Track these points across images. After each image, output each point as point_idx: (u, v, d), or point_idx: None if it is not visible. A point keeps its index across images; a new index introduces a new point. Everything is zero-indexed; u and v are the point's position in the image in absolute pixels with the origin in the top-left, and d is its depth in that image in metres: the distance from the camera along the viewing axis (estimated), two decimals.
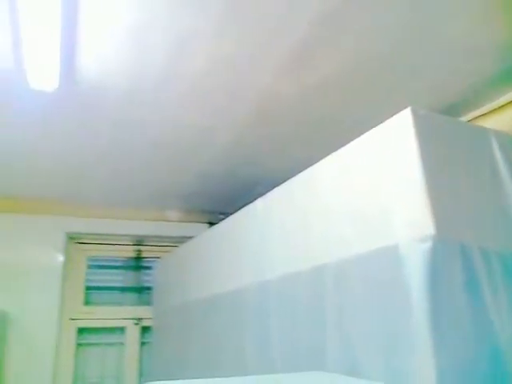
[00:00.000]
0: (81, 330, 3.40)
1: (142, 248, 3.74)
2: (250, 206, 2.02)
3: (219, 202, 3.53)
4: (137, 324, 3.49)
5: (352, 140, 1.49)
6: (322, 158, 1.62)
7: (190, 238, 3.13)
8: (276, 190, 1.83)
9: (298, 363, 1.56)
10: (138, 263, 3.73)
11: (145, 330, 3.50)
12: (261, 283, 1.80)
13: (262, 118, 2.28)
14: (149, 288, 3.53)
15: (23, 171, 2.83)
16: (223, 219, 3.17)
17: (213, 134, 2.43)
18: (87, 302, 3.50)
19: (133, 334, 3.48)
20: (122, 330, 3.49)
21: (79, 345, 3.36)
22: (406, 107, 1.30)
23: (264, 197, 1.92)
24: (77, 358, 3.31)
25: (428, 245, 1.14)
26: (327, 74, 1.95)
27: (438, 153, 1.29)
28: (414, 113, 1.27)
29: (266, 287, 1.76)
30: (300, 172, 1.74)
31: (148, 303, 3.46)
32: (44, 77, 1.83)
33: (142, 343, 3.49)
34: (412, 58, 1.87)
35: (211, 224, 3.68)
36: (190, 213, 3.69)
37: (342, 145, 1.53)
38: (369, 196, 1.35)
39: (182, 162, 2.76)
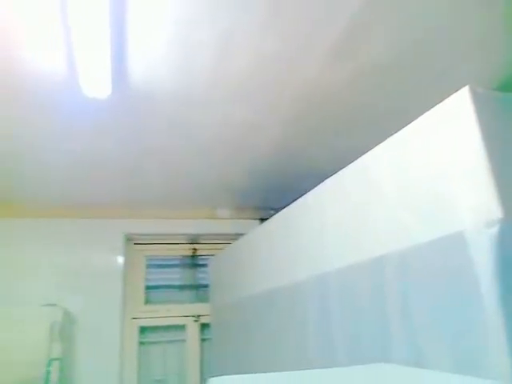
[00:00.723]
0: (142, 329, 3.51)
1: (196, 246, 3.81)
2: (302, 199, 2.00)
3: (270, 198, 3.54)
4: (196, 321, 3.57)
5: (402, 126, 1.43)
6: (370, 147, 1.58)
7: (242, 234, 3.15)
8: (328, 181, 1.80)
9: (362, 356, 1.53)
10: (193, 261, 3.81)
11: (204, 326, 3.57)
12: (318, 276, 1.78)
13: (309, 111, 2.26)
14: (205, 285, 3.60)
15: (82, 179, 2.96)
16: (274, 214, 3.18)
17: (261, 130, 2.43)
18: (147, 301, 3.61)
19: (193, 331, 3.56)
20: (182, 327, 3.58)
21: (141, 343, 3.48)
22: (456, 91, 1.23)
23: (315, 189, 1.89)
24: (140, 356, 3.43)
25: (495, 229, 1.08)
26: (373, 61, 1.90)
27: (500, 132, 1.21)
28: (473, 91, 1.20)
29: (325, 280, 1.74)
30: (350, 162, 1.70)
31: (205, 300, 3.53)
32: (97, 84, 1.90)
33: (202, 340, 3.56)
34: (463, 39, 1.78)
35: (262, 220, 3.70)
36: (241, 210, 3.72)
37: (391, 132, 1.48)
38: (428, 182, 1.29)
39: (231, 159, 2.79)
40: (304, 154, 2.77)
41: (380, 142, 1.54)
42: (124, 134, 2.43)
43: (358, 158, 1.65)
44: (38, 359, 2.71)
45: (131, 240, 3.65)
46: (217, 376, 1.14)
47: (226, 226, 3.70)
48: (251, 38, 1.72)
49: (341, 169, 1.76)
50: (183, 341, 3.55)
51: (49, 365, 2.72)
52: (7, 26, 1.59)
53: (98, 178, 2.97)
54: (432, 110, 1.32)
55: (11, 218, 3.33)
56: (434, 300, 1.25)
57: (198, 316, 3.57)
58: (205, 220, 3.67)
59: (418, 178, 1.33)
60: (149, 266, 3.70)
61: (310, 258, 1.87)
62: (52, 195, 3.20)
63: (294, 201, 2.24)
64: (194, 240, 3.80)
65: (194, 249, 3.81)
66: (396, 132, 1.46)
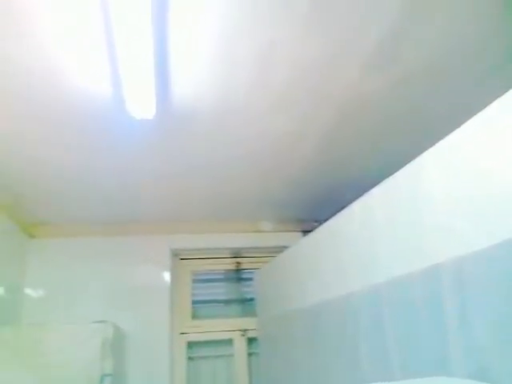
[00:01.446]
0: (190, 344, 3.54)
1: (240, 260, 3.83)
2: (348, 208, 1.97)
3: (312, 209, 3.52)
4: (243, 335, 3.56)
5: (447, 132, 1.39)
6: (414, 154, 1.55)
7: (285, 247, 3.14)
8: (375, 189, 1.77)
9: (419, 369, 1.47)
10: (238, 275, 3.82)
11: (251, 341, 3.55)
12: (370, 287, 1.74)
13: (351, 118, 2.24)
14: (251, 299, 3.59)
15: (129, 197, 3.06)
16: (317, 226, 3.15)
17: (302, 140, 2.43)
18: (194, 316, 3.64)
19: (240, 345, 3.55)
20: (229, 341, 3.57)
21: (190, 358, 3.50)
22: (504, 91, 1.19)
23: (362, 198, 1.86)
24: (189, 372, 3.45)
25: None
26: (414, 65, 1.87)
27: None
28: None
29: (377, 291, 1.69)
30: (394, 171, 1.67)
31: (251, 314, 3.52)
32: (142, 105, 1.96)
33: (250, 354, 3.54)
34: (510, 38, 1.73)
35: (305, 232, 3.67)
36: (283, 222, 3.71)
37: (436, 138, 1.44)
38: (485, 185, 1.25)
39: (273, 171, 2.79)
40: (346, 163, 2.75)
41: (424, 149, 1.50)
42: (168, 152, 2.49)
43: (401, 165, 1.62)
44: (92, 375, 2.75)
45: (177, 255, 3.71)
46: None
47: (269, 239, 3.70)
48: (291, 47, 1.73)
49: (384, 177, 1.73)
50: (231, 355, 3.54)
51: (102, 381, 2.76)
52: (55, 53, 1.68)
53: (144, 196, 3.05)
54: (482, 111, 1.28)
55: (60, 238, 3.46)
56: (495, 309, 1.19)
57: (245, 330, 3.56)
58: (248, 233, 3.68)
59: (474, 181, 1.28)
60: (194, 281, 3.74)
61: (359, 269, 1.83)
62: (100, 214, 3.32)
63: (337, 212, 2.21)
64: (237, 254, 3.82)
65: (238, 262, 3.82)
66: (442, 138, 1.42)
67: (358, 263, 1.86)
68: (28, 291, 3.33)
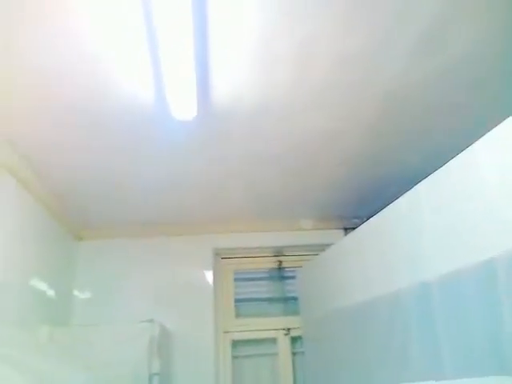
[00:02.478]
0: (234, 343, 3.55)
1: (281, 258, 3.81)
2: (394, 204, 1.93)
3: (352, 206, 3.45)
4: (286, 334, 3.54)
5: (492, 123, 1.33)
6: (460, 147, 1.49)
7: (327, 245, 3.10)
8: (423, 183, 1.72)
9: (473, 369, 1.42)
10: (280, 274, 3.80)
11: (295, 339, 3.53)
12: (419, 284, 1.69)
13: (393, 111, 2.18)
14: (294, 298, 3.57)
15: (172, 199, 3.11)
16: (358, 223, 3.10)
17: (343, 136, 2.39)
18: (237, 315, 3.65)
19: (284, 344, 3.53)
20: (273, 340, 3.56)
21: (234, 357, 3.51)
22: None
23: (409, 193, 1.81)
24: (233, 370, 3.46)
25: None
26: (460, 54, 1.80)
27: None
28: None
29: (427, 287, 1.64)
30: (439, 165, 1.62)
31: (294, 313, 3.49)
32: (183, 106, 1.99)
33: (294, 353, 3.51)
34: None
35: (347, 229, 3.62)
36: (323, 220, 3.66)
37: (484, 130, 1.38)
38: None
39: (311, 168, 2.76)
40: (388, 159, 2.68)
41: (470, 142, 1.44)
42: (208, 153, 2.52)
43: (445, 160, 1.57)
44: (140, 374, 2.80)
45: (219, 255, 3.74)
46: None
47: (310, 237, 3.66)
48: (331, 42, 1.71)
49: (427, 173, 1.68)
50: (275, 354, 3.53)
51: (150, 380, 2.81)
52: (97, 59, 1.72)
53: (185, 197, 3.09)
54: None
55: (107, 239, 3.56)
56: None
57: (289, 329, 3.54)
58: (289, 232, 3.66)
59: None
60: (237, 280, 3.76)
61: (407, 266, 1.79)
62: (143, 216, 3.38)
63: (378, 208, 2.16)
64: (278, 252, 3.80)
65: (280, 261, 3.81)
66: (488, 130, 1.36)
67: (405, 259, 1.82)
68: (77, 293, 3.44)
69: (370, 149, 2.54)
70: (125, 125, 2.19)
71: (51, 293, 3.01)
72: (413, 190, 1.77)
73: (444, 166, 1.60)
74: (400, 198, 1.87)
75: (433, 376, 1.60)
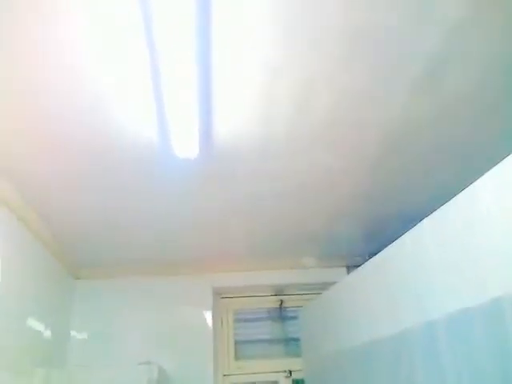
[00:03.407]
0: None
1: (283, 298, 3.75)
2: (398, 241, 1.91)
3: (355, 244, 3.43)
4: (288, 377, 3.44)
5: (499, 157, 1.34)
6: (464, 182, 1.49)
7: (329, 283, 3.05)
8: (425, 221, 1.71)
9: None
10: (281, 313, 3.73)
11: (297, 382, 3.42)
12: (425, 324, 1.64)
13: (395, 150, 2.20)
14: (295, 338, 3.48)
15: (171, 238, 3.09)
16: (361, 261, 3.06)
17: (345, 174, 2.40)
18: (237, 357, 3.56)
19: None
20: (274, 383, 3.45)
21: None
22: None
23: (413, 230, 1.80)
24: None
25: None
26: (463, 88, 1.82)
27: None
28: None
29: (433, 328, 1.60)
30: (440, 201, 1.62)
31: (296, 354, 3.40)
32: (185, 144, 2.01)
33: None
34: None
35: (349, 267, 3.58)
36: (325, 258, 3.63)
37: (487, 164, 1.39)
38: None
39: (314, 206, 2.76)
40: (392, 196, 2.67)
41: (475, 178, 1.45)
42: (209, 191, 2.52)
43: (449, 196, 1.56)
44: None
45: (219, 294, 3.68)
46: None
47: (312, 276, 3.62)
48: (331, 81, 1.73)
49: (431, 209, 1.67)
50: None
51: None
52: (101, 96, 1.74)
53: (185, 236, 3.08)
54: None
55: (104, 279, 3.52)
56: None
57: (290, 371, 3.44)
58: (290, 270, 3.62)
59: None
60: (236, 320, 3.68)
61: (414, 304, 1.75)
62: (142, 256, 3.35)
63: (382, 246, 2.14)
64: (280, 291, 3.75)
65: (281, 300, 3.74)
66: (491, 166, 1.36)
67: (410, 298, 1.78)
68: (74, 333, 3.36)
69: (372, 187, 2.55)
70: (126, 163, 2.20)
71: (48, 333, 2.94)
72: (417, 226, 1.75)
73: (447, 203, 1.60)
74: (404, 234, 1.85)
75: None
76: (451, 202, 1.57)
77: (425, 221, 1.70)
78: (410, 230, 1.80)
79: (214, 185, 2.45)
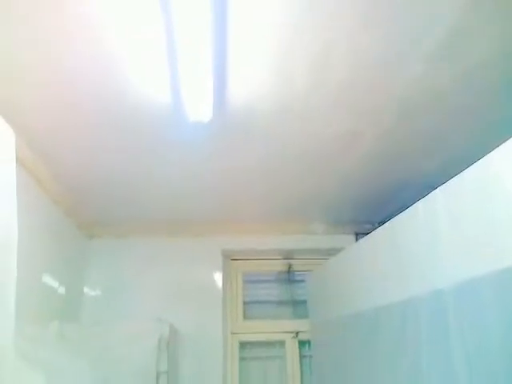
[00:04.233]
0: (242, 344, 3.56)
1: (292, 262, 3.81)
2: (410, 209, 1.91)
3: (366, 211, 3.44)
4: (294, 338, 3.53)
5: (508, 130, 1.32)
6: (477, 151, 1.48)
7: (337, 249, 3.09)
8: (439, 190, 1.70)
9: (489, 381, 1.39)
10: (289, 277, 3.80)
11: (303, 343, 3.53)
12: (433, 292, 1.67)
13: (412, 115, 2.16)
14: (303, 301, 3.56)
15: (183, 200, 3.13)
16: (371, 229, 3.08)
17: (359, 139, 2.37)
18: (246, 317, 3.66)
19: (292, 347, 3.52)
20: (281, 343, 3.56)
21: (242, 358, 3.52)
22: None
23: (425, 199, 1.80)
24: (241, 371, 3.47)
25: None
26: (475, 63, 1.80)
27: None
28: None
29: (441, 296, 1.62)
30: (452, 172, 1.60)
31: (303, 316, 3.48)
32: (199, 108, 2.00)
33: (302, 356, 3.51)
34: None
35: (358, 234, 3.60)
36: (335, 224, 3.65)
37: (498, 137, 1.37)
38: None
39: (326, 170, 2.75)
40: (404, 163, 2.66)
41: (487, 148, 1.43)
42: (222, 155, 2.53)
43: (463, 166, 1.55)
44: (148, 372, 2.81)
45: (228, 256, 3.74)
46: None
47: (321, 241, 3.65)
48: (350, 46, 1.70)
49: (445, 178, 1.67)
50: (283, 357, 3.53)
51: (157, 378, 2.82)
52: (116, 58, 1.74)
53: (197, 198, 3.11)
54: None
55: (117, 238, 3.60)
56: None
57: (297, 332, 3.53)
58: (299, 235, 3.66)
59: None
60: (246, 282, 3.76)
61: (423, 273, 1.77)
62: (155, 216, 3.41)
63: (391, 214, 2.15)
64: (288, 255, 3.80)
65: (289, 264, 3.80)
66: (507, 136, 1.34)
67: (420, 266, 1.80)
68: (87, 290, 3.47)
69: (387, 152, 2.53)
70: (140, 126, 2.20)
71: (62, 289, 3.03)
72: (430, 194, 1.75)
73: (462, 173, 1.59)
74: (417, 202, 1.85)
75: None
76: (466, 171, 1.56)
77: (439, 189, 1.70)
78: (423, 198, 1.80)
79: (227, 148, 2.45)
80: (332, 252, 3.20)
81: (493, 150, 1.41)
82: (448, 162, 2.55)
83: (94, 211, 3.28)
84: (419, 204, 1.84)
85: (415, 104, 2.08)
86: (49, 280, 2.83)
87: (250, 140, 2.37)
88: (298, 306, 3.69)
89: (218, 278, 3.55)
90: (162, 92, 1.93)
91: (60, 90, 1.92)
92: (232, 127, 2.23)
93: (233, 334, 3.55)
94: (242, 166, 2.65)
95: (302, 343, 3.54)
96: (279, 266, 3.81)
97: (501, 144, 1.38)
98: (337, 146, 2.45)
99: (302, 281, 3.63)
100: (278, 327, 3.59)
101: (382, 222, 2.31)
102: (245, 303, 3.69)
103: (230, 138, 2.34)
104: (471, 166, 1.52)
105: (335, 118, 2.18)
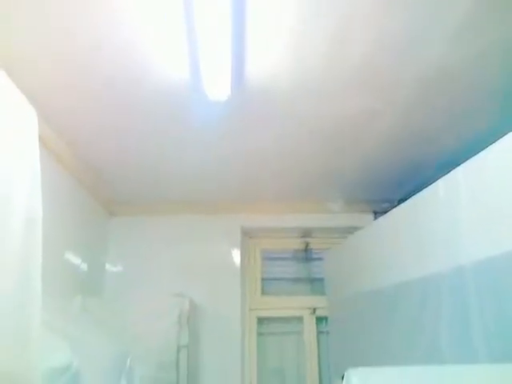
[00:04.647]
0: (260, 320, 3.62)
1: (309, 240, 3.83)
2: (432, 187, 1.90)
3: (383, 190, 3.41)
4: (312, 314, 3.58)
5: None
6: (496, 133, 1.45)
7: (355, 228, 3.10)
8: (460, 168, 1.68)
9: (509, 357, 1.39)
10: (306, 255, 3.83)
11: (320, 319, 3.57)
12: (454, 269, 1.67)
13: (432, 94, 2.13)
14: (320, 279, 3.60)
15: (203, 178, 3.16)
16: (388, 207, 3.06)
17: (377, 117, 2.35)
18: (264, 293, 3.71)
19: (309, 323, 3.58)
20: (298, 319, 3.61)
21: (259, 334, 3.59)
22: None
23: (446, 177, 1.78)
24: (258, 346, 3.55)
25: None
26: (496, 42, 1.75)
27: None
28: None
29: (461, 273, 1.63)
30: (472, 150, 1.58)
31: (320, 293, 3.52)
32: (218, 85, 1.99)
33: (319, 332, 3.56)
34: None
35: (376, 213, 3.59)
36: (353, 203, 3.64)
37: None
38: None
39: (345, 149, 2.73)
40: (423, 142, 2.61)
41: (509, 129, 1.40)
42: (242, 133, 2.52)
43: (485, 145, 1.53)
44: (169, 346, 2.88)
45: (247, 234, 3.78)
46: (338, 370, 1.11)
47: (339, 220, 3.65)
48: (369, 22, 1.67)
49: (464, 157, 1.64)
50: (300, 333, 3.58)
51: (178, 351, 2.89)
52: (135, 39, 1.74)
53: (217, 176, 3.14)
54: None
55: (137, 216, 3.66)
56: None
57: (314, 309, 3.58)
58: (317, 214, 3.66)
59: None
60: (264, 259, 3.80)
61: (444, 250, 1.77)
62: (175, 194, 3.45)
63: (410, 192, 2.13)
64: (306, 234, 3.82)
65: (307, 242, 3.82)
66: None
67: (441, 244, 1.80)
68: (109, 267, 3.56)
69: (405, 131, 2.49)
70: (159, 105, 2.21)
71: (84, 266, 3.11)
72: (452, 173, 1.73)
73: (484, 151, 1.57)
74: (438, 180, 1.83)
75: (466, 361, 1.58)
76: (488, 149, 1.54)
77: (461, 167, 1.68)
78: (445, 176, 1.79)
79: (244, 127, 2.44)
80: (350, 231, 3.20)
81: None
82: (468, 141, 2.50)
83: (115, 190, 3.33)
84: (440, 182, 1.82)
85: (435, 82, 2.04)
86: (71, 257, 2.91)
87: (268, 119, 2.36)
88: (315, 284, 3.73)
89: (237, 255, 3.60)
90: (180, 71, 1.93)
91: (80, 69, 1.93)
92: (250, 106, 2.23)
93: (251, 309, 3.61)
94: (259, 144, 2.65)
95: (319, 319, 3.58)
96: (297, 244, 3.84)
97: None
98: (354, 125, 2.43)
99: (320, 259, 3.66)
100: (296, 303, 3.64)
101: (401, 201, 2.30)
102: (263, 280, 3.74)
103: (248, 116, 2.34)
104: (493, 144, 1.50)
105: (352, 96, 2.16)
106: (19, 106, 1.35)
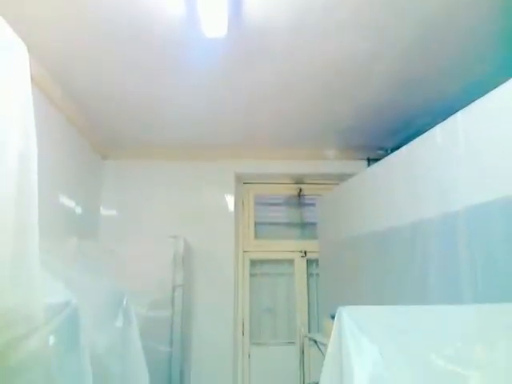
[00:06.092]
0: (253, 262, 3.74)
1: (302, 186, 3.87)
2: (427, 134, 1.89)
3: (377, 137, 3.40)
4: (303, 257, 3.69)
5: None
6: (498, 79, 1.42)
7: (348, 174, 3.11)
8: (459, 114, 1.67)
9: (495, 298, 1.45)
10: (299, 200, 3.88)
11: (310, 262, 3.70)
12: (446, 215, 1.71)
13: (431, 35, 2.06)
14: (312, 223, 3.67)
15: (197, 122, 3.10)
16: (382, 155, 3.06)
17: (375, 59, 2.28)
18: (257, 237, 3.80)
19: (300, 265, 3.70)
20: (289, 261, 3.74)
21: (252, 275, 3.72)
22: None
23: (444, 123, 1.77)
24: (251, 286, 3.69)
25: None
26: None
27: None
28: None
29: (452, 218, 1.66)
30: (471, 98, 1.56)
31: (311, 237, 3.62)
32: (214, 22, 1.92)
33: (309, 274, 3.69)
34: None
35: (370, 160, 3.60)
36: (347, 150, 3.64)
37: None
38: None
39: (339, 92, 2.67)
40: (421, 86, 2.56)
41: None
42: (238, 74, 2.45)
43: (483, 93, 1.51)
44: (164, 285, 2.95)
45: (241, 180, 3.81)
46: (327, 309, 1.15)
47: (332, 167, 3.67)
48: None
49: (464, 104, 1.62)
50: (291, 274, 3.71)
51: (173, 290, 2.97)
52: None
53: (211, 121, 3.09)
54: None
55: (130, 159, 3.64)
56: None
57: (305, 252, 3.68)
58: (311, 160, 3.68)
59: None
60: (257, 204, 3.86)
61: (437, 196, 1.79)
62: (168, 139, 3.42)
63: (404, 140, 2.11)
64: (299, 180, 3.85)
65: (300, 188, 3.86)
66: None
67: (434, 190, 1.82)
68: (104, 210, 3.58)
69: (402, 76, 2.44)
70: (153, 40, 2.12)
71: (78, 209, 3.12)
72: (450, 119, 1.72)
73: (484, 97, 1.55)
74: (436, 127, 1.82)
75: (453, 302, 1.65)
76: (488, 96, 1.52)
77: (459, 113, 1.66)
78: (442, 123, 1.77)
79: (241, 66, 2.37)
80: (342, 177, 3.23)
81: None
82: (470, 86, 2.45)
83: (108, 132, 3.28)
84: (438, 128, 1.81)
85: (435, 24, 1.98)
86: (65, 199, 2.91)
87: (264, 57, 2.28)
88: (306, 228, 3.81)
89: (231, 199, 3.64)
90: (176, 6, 1.84)
91: (73, 3, 1.83)
92: (246, 44, 2.15)
93: (244, 251, 3.71)
94: (255, 85, 2.58)
95: (309, 262, 3.70)
96: (290, 189, 3.88)
97: None
98: (353, 67, 2.36)
99: (312, 204, 3.71)
100: (288, 247, 3.74)
101: (395, 148, 2.30)
102: (256, 224, 3.81)
103: (245, 55, 2.26)
104: (493, 90, 1.48)
105: (352, 36, 2.09)
106: (8, 41, 1.29)
